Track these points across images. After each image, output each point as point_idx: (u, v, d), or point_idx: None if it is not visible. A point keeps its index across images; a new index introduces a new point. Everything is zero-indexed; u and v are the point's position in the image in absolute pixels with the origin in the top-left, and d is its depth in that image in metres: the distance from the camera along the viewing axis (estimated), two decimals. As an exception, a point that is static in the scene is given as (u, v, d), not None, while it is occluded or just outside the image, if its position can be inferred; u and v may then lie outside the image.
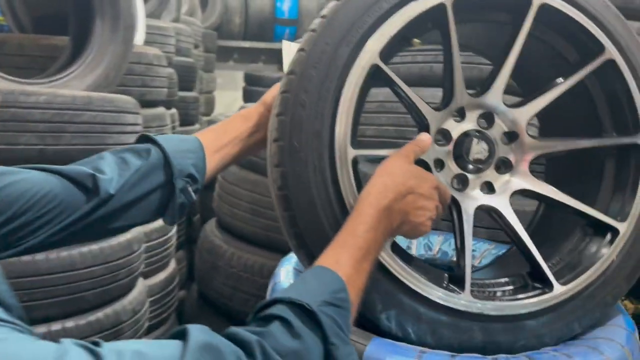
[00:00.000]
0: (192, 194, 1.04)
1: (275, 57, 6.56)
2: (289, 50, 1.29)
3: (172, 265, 2.56)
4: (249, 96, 5.36)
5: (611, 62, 1.04)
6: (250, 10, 6.19)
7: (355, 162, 1.00)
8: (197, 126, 3.65)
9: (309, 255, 1.00)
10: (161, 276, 2.40)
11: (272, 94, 1.13)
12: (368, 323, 0.99)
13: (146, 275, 2.30)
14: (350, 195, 0.98)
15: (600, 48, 1.04)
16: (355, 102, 0.99)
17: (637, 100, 1.04)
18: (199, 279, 2.53)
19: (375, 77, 1.02)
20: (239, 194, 2.26)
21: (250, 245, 2.26)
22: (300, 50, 1.00)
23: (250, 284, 2.19)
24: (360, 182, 1.02)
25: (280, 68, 1.01)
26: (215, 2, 5.96)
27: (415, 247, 1.50)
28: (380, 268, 0.98)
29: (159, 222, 2.29)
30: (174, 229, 2.51)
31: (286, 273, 1.22)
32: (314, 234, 0.98)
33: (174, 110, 2.96)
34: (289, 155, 0.97)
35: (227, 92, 6.15)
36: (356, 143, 1.03)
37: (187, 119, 3.48)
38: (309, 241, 0.98)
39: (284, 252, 1.39)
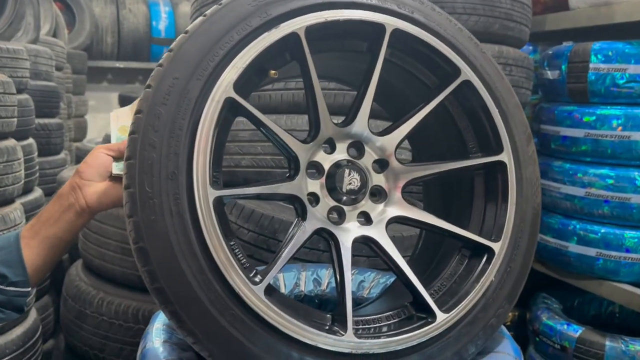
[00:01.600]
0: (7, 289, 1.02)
1: None
2: (120, 117, 1.24)
3: (33, 316, 2.28)
4: None
5: (468, 83, 1.05)
6: (124, 29, 5.98)
7: (219, 202, 0.92)
8: (62, 155, 3.37)
9: (174, 313, 0.89)
10: (17, 331, 2.12)
11: (88, 161, 1.12)
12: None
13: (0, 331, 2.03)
14: (215, 240, 0.89)
15: (456, 70, 1.05)
16: (214, 138, 0.92)
17: (496, 118, 1.06)
18: (65, 329, 2.31)
19: (233, 111, 0.96)
20: (107, 232, 2.12)
21: (121, 289, 2.11)
22: (147, 87, 0.92)
23: (124, 331, 2.04)
24: (226, 224, 0.93)
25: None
26: (84, 21, 5.69)
27: (304, 283, 1.43)
28: (255, 318, 0.89)
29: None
30: None
31: (157, 333, 1.09)
32: (177, 289, 0.87)
33: (30, 141, 2.69)
34: (142, 202, 0.87)
35: (102, 114, 5.90)
36: (220, 182, 0.95)
37: (50, 148, 3.21)
38: (172, 298, 0.88)
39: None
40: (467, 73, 1.05)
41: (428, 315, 0.98)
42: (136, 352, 2.11)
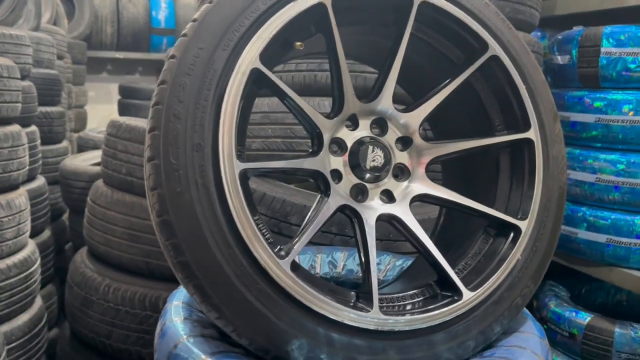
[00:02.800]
0: None
1: (153, 67, 6.37)
2: None
3: (38, 303, 2.26)
4: (125, 109, 5.15)
5: (495, 59, 1.03)
6: (123, 19, 5.93)
7: (244, 176, 0.90)
8: (64, 144, 3.34)
9: (199, 287, 0.87)
10: (24, 318, 2.11)
11: None
12: (277, 358, 0.88)
13: (5, 318, 2.02)
14: (241, 214, 0.87)
15: (484, 46, 1.03)
16: (239, 111, 0.90)
17: (524, 95, 1.04)
18: (70, 316, 2.28)
19: (259, 83, 0.94)
20: (113, 218, 2.08)
21: (127, 275, 2.08)
22: (171, 57, 0.89)
23: (131, 318, 2.01)
24: (251, 198, 0.91)
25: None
26: (84, 10, 5.65)
27: (320, 266, 1.41)
28: (281, 292, 0.87)
29: (17, 256, 2.07)
30: (37, 262, 2.23)
31: (176, 310, 1.07)
32: (203, 263, 0.85)
33: (33, 128, 2.67)
34: (166, 174, 0.85)
35: (101, 105, 5.88)
36: (244, 155, 0.93)
37: (52, 137, 3.18)
38: (197, 272, 0.86)
39: (167, 280, 1.23)
40: (495, 48, 1.03)
41: (454, 293, 0.97)
42: (142, 339, 2.09)
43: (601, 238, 2.10)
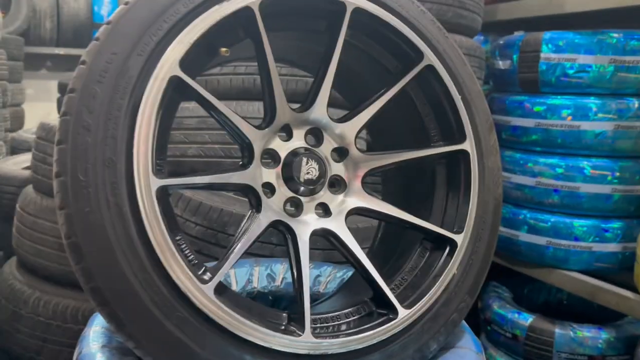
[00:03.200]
0: None
1: None
2: None
3: None
4: None
5: (431, 68, 1.00)
6: (63, 14, 5.69)
7: (163, 193, 0.83)
8: (-2, 145, 3.17)
9: (113, 315, 0.80)
10: None
11: None
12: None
13: None
14: (159, 235, 0.80)
15: (419, 54, 1.00)
16: (158, 121, 0.83)
17: (459, 105, 1.01)
18: (-2, 332, 2.15)
19: (180, 91, 0.87)
20: (43, 227, 1.98)
21: (59, 287, 1.98)
22: (81, 63, 0.81)
23: (63, 332, 1.92)
24: (172, 216, 0.85)
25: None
26: (20, 4, 5.38)
27: (257, 279, 1.35)
28: (205, 319, 0.81)
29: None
30: None
31: (95, 336, 0.99)
32: (116, 289, 0.78)
33: None
34: (74, 192, 0.77)
35: (41, 103, 5.64)
36: (164, 170, 0.86)
37: (-18, 139, 3.02)
38: (111, 298, 0.79)
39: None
40: (430, 57, 1.00)
41: (389, 311, 0.93)
42: (76, 354, 1.98)
43: (541, 240, 2.13)
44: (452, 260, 0.97)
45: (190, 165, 1.60)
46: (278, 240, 1.50)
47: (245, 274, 1.32)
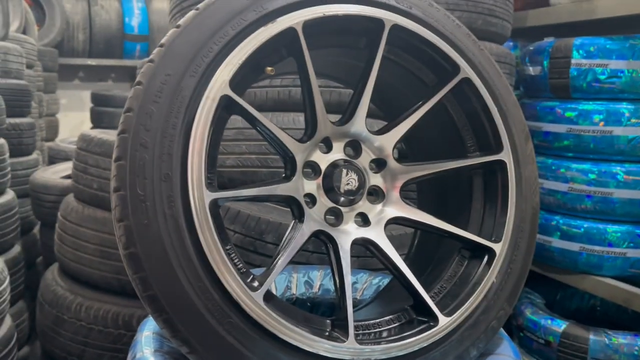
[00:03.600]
0: None
1: (127, 74, 6.32)
2: None
3: (8, 322, 2.19)
4: (97, 117, 5.10)
5: (467, 81, 1.03)
6: (95, 26, 5.86)
7: (214, 205, 0.87)
8: (34, 155, 3.27)
9: (168, 322, 0.84)
10: None
11: None
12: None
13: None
14: (212, 245, 0.85)
15: (455, 68, 1.03)
16: (209, 138, 0.88)
17: (496, 117, 1.04)
18: (42, 335, 2.23)
19: (229, 109, 0.92)
20: (84, 234, 2.04)
21: (100, 293, 2.05)
22: (137, 84, 0.87)
23: (103, 337, 1.98)
24: (222, 228, 0.89)
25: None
26: (54, 17, 5.56)
27: (296, 286, 1.39)
28: (255, 325, 0.85)
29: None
30: (6, 281, 2.18)
31: (147, 341, 1.04)
32: (172, 297, 0.83)
33: (1, 140, 2.59)
34: (133, 206, 0.82)
35: (74, 113, 5.81)
36: (215, 184, 0.91)
37: (21, 149, 3.11)
38: (167, 305, 0.83)
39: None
40: (466, 70, 1.03)
41: (430, 318, 0.96)
42: (116, 358, 2.05)
43: (574, 246, 2.13)
44: (491, 269, 0.99)
45: (228, 175, 1.65)
46: (314, 248, 1.54)
47: (284, 281, 1.36)
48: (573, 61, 2.07)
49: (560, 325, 2.14)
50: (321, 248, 1.53)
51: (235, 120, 1.65)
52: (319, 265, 1.43)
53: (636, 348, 2.02)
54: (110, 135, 2.17)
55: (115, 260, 1.99)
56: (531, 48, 2.28)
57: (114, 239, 1.98)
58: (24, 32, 4.12)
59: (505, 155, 1.04)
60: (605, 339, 2.05)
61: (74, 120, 5.77)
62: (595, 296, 2.40)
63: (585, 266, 2.11)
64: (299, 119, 1.64)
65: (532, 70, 2.26)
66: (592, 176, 2.07)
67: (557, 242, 2.17)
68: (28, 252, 2.84)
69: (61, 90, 5.44)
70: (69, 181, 2.69)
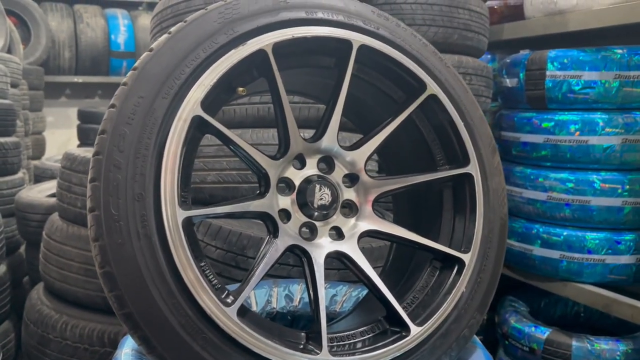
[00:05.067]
0: None
1: (113, 91, 6.28)
2: None
3: None
4: (84, 134, 5.10)
5: (434, 97, 1.07)
6: (82, 43, 5.88)
7: (188, 223, 0.90)
8: (19, 174, 3.26)
9: (144, 339, 0.86)
10: None
11: None
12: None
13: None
14: (185, 262, 0.87)
15: (422, 85, 1.06)
16: (182, 157, 0.90)
17: (462, 131, 1.07)
18: (27, 355, 2.22)
19: (201, 129, 0.94)
20: (69, 253, 2.05)
21: (85, 311, 2.05)
22: (111, 106, 0.89)
23: (89, 355, 1.98)
24: (196, 245, 0.91)
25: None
26: (40, 36, 5.57)
27: (276, 300, 1.41)
28: (229, 340, 0.87)
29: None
30: None
31: (126, 358, 1.05)
32: (147, 314, 0.85)
33: None
34: (107, 225, 0.84)
35: (61, 130, 5.82)
36: (189, 201, 0.93)
37: (6, 168, 3.11)
38: (142, 323, 0.85)
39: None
40: (432, 87, 1.06)
41: (402, 329, 0.98)
42: (102, 376, 2.03)
43: (555, 254, 2.16)
44: (461, 279, 1.02)
45: (210, 192, 1.67)
46: (294, 262, 1.56)
47: (264, 295, 1.38)
48: (548, 73, 2.12)
49: (543, 333, 2.17)
50: (288, 260, 1.55)
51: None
52: (299, 279, 1.45)
53: (618, 353, 2.05)
54: (94, 154, 2.18)
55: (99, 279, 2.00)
56: (508, 60, 2.34)
57: (98, 257, 2.01)
58: (8, 51, 4.14)
59: (473, 168, 1.07)
60: (588, 345, 2.08)
61: (61, 137, 5.77)
62: (579, 303, 2.43)
63: (566, 273, 2.15)
64: (279, 134, 1.67)
65: (509, 82, 2.31)
66: (570, 185, 2.11)
67: (537, 251, 2.21)
68: (14, 272, 2.83)
69: (48, 107, 5.44)
70: (54, 200, 2.70)
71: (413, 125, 1.11)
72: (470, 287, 1.03)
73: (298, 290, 1.40)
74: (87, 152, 2.22)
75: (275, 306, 1.36)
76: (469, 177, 1.07)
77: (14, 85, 3.74)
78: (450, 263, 1.05)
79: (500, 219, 1.08)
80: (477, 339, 1.12)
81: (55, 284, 2.14)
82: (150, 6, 6.23)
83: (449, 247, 1.06)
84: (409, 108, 1.06)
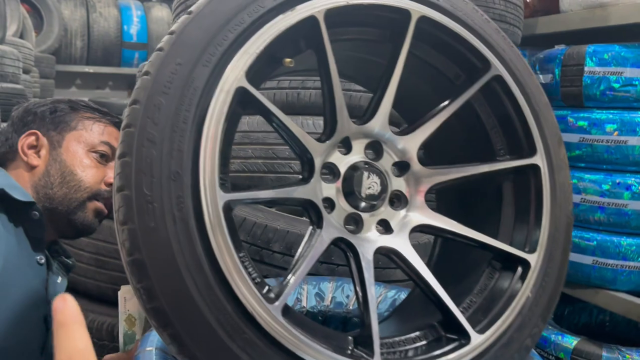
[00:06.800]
0: None
1: (124, 82, 6.30)
2: (128, 301, 1.15)
3: None
4: None
5: (498, 79, 0.96)
6: (94, 33, 5.83)
7: (228, 208, 0.79)
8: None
9: (175, 337, 0.75)
10: None
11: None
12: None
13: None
14: (225, 252, 0.76)
15: (486, 64, 0.96)
16: (223, 134, 0.80)
17: (529, 118, 0.97)
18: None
19: (243, 103, 0.84)
20: (79, 242, 1.97)
21: (95, 304, 1.99)
22: (144, 74, 0.79)
23: (99, 349, 1.87)
24: (236, 233, 0.81)
25: (131, 93, 0.81)
26: (52, 24, 5.50)
27: (306, 299, 1.30)
28: (272, 342, 0.77)
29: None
30: None
31: (149, 358, 0.95)
32: (180, 309, 0.74)
33: None
34: (139, 207, 0.74)
35: (70, 120, 5.73)
36: (228, 184, 0.83)
37: (14, 152, 3.04)
38: (174, 319, 0.75)
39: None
40: (497, 67, 0.96)
41: (460, 336, 0.88)
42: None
43: (587, 260, 2.05)
44: (526, 282, 0.92)
45: (233, 181, 1.56)
46: (323, 258, 1.46)
47: (293, 293, 1.27)
48: (586, 69, 2.01)
49: (571, 342, 2.07)
50: (331, 258, 1.45)
51: (241, 123, 1.58)
52: (329, 277, 1.35)
53: (651, 366, 1.94)
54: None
55: (110, 270, 1.93)
56: (541, 56, 2.23)
57: (109, 247, 1.92)
58: (21, 37, 4.07)
59: (539, 159, 0.96)
60: (619, 356, 1.98)
61: (68, 127, 5.69)
62: (605, 311, 2.33)
63: (598, 280, 2.04)
64: (307, 122, 1.57)
65: (542, 78, 2.20)
66: (605, 187, 2.00)
67: (568, 255, 2.10)
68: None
69: (58, 97, 5.40)
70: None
71: (470, 109, 1.01)
72: (535, 292, 0.92)
73: (329, 289, 1.29)
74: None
75: (305, 305, 1.26)
76: (535, 168, 0.96)
77: (26, 71, 3.66)
78: (513, 264, 0.95)
79: (566, 216, 0.98)
80: (534, 351, 1.01)
81: (64, 274, 2.07)
82: (164, -3, 6.17)
83: (511, 246, 0.95)
84: (470, 89, 0.95)
